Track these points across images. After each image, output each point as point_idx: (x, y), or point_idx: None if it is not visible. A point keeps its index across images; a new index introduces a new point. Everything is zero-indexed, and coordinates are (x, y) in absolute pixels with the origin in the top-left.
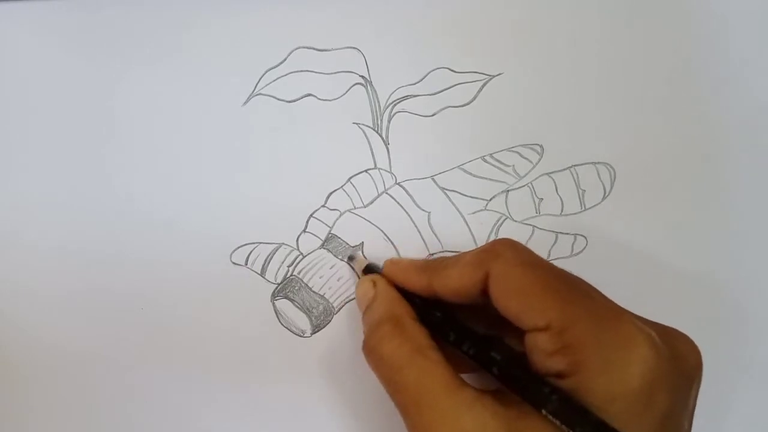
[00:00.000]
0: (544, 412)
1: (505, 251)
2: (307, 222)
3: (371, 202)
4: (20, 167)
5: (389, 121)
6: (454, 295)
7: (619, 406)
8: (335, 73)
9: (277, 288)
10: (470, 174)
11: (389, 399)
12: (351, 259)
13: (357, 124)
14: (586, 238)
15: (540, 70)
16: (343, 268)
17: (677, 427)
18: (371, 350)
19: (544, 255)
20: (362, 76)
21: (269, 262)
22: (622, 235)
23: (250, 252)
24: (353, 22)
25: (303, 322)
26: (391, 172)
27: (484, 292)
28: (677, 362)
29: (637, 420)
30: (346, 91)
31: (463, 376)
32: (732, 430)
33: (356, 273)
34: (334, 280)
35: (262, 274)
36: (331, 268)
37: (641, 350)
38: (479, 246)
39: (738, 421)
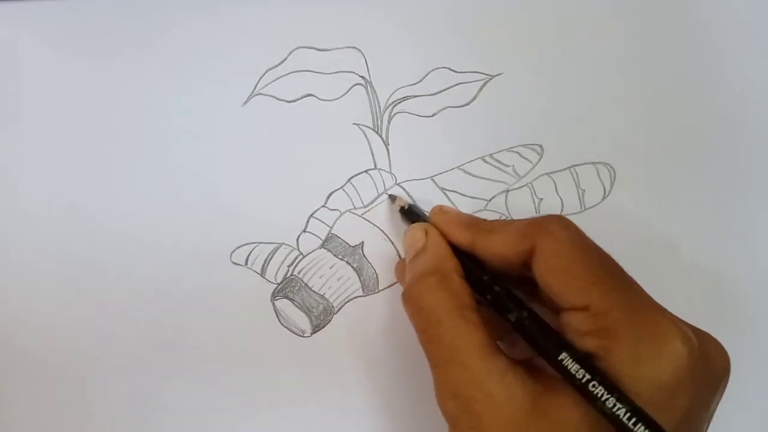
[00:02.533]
0: (563, 355)
1: (555, 228)
2: (307, 222)
3: (371, 203)
4: (20, 167)
5: (389, 122)
6: (495, 259)
7: (644, 397)
8: (335, 73)
9: (277, 288)
10: (470, 174)
11: (389, 399)
12: (392, 198)
13: (357, 124)
14: None
15: (540, 70)
16: (343, 268)
17: (696, 428)
18: (411, 298)
19: None
20: (362, 77)
21: (269, 262)
22: (622, 235)
23: (250, 252)
24: (353, 22)
25: (303, 322)
26: (391, 173)
27: (525, 263)
28: (706, 364)
29: (658, 414)
30: (347, 92)
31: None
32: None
33: (397, 212)
34: (334, 280)
35: (262, 274)
36: (331, 268)
37: (675, 346)
38: (528, 218)
39: (739, 419)
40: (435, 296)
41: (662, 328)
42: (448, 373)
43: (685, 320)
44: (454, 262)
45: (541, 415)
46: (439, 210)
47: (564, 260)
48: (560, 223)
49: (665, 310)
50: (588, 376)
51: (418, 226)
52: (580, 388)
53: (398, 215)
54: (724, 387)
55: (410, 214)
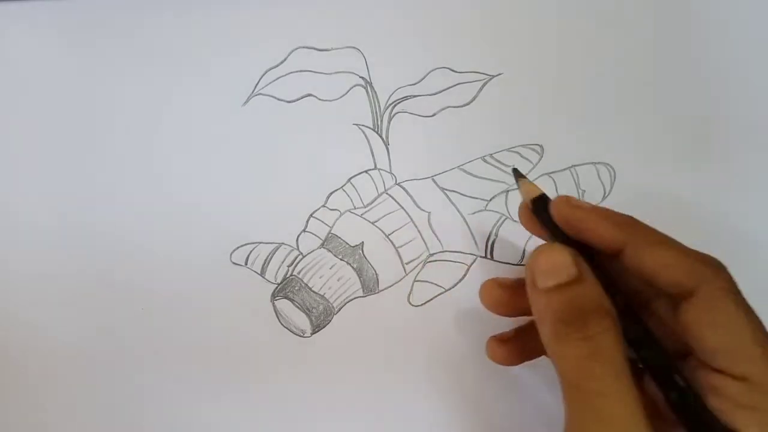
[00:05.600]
0: None
1: (723, 281)
2: (307, 222)
3: (371, 203)
4: (20, 167)
5: (389, 122)
6: (645, 275)
7: None
8: (335, 73)
9: (276, 288)
10: (470, 174)
11: (388, 399)
12: (516, 173)
13: (357, 124)
14: None
15: (540, 70)
16: (344, 268)
17: None
18: (582, 339)
19: None
20: (362, 77)
21: (269, 262)
22: None
23: (250, 252)
24: (353, 22)
25: (303, 322)
26: (391, 173)
27: (671, 296)
28: None
29: None
30: (347, 92)
31: None
32: None
33: (522, 196)
34: (334, 280)
35: (262, 274)
36: (331, 268)
37: None
38: (694, 250)
39: None
40: (613, 345)
41: None
42: None
43: None
44: (611, 306)
45: None
46: (567, 202)
47: (727, 319)
48: (728, 277)
49: None
50: None
51: (560, 249)
52: None
53: (523, 200)
54: None
55: (539, 206)
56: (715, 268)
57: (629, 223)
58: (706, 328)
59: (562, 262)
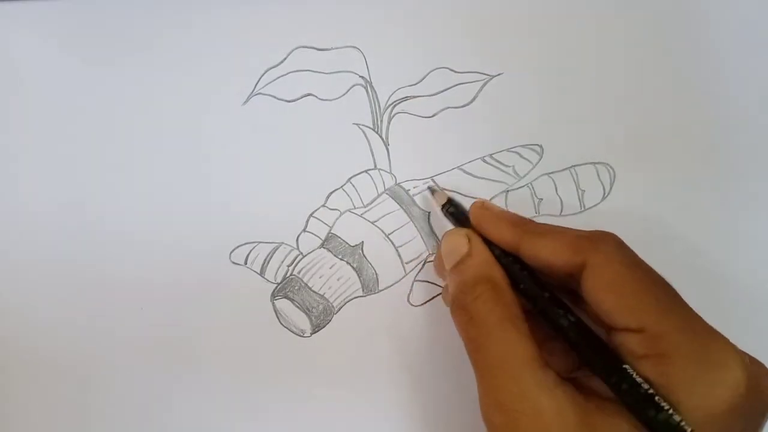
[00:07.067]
0: (626, 365)
1: (607, 246)
2: (307, 221)
3: (371, 202)
4: (19, 167)
5: (389, 122)
6: (539, 264)
7: (696, 423)
8: (335, 72)
9: (276, 288)
10: (470, 174)
11: (388, 399)
12: (431, 191)
13: (357, 124)
14: None
15: (540, 70)
16: (343, 268)
17: None
18: (462, 308)
19: None
20: (362, 77)
21: (269, 262)
22: (622, 236)
23: (250, 251)
24: (353, 22)
25: (303, 321)
26: (391, 173)
27: (571, 275)
28: (759, 394)
29: None
30: (346, 92)
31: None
32: None
33: (435, 204)
34: (334, 280)
35: (262, 273)
36: (330, 267)
37: (734, 374)
38: (579, 230)
39: None
40: (486, 306)
41: (721, 354)
42: (496, 385)
43: None
44: (501, 271)
45: None
46: (482, 205)
47: (618, 279)
48: (614, 241)
49: (721, 334)
50: (651, 390)
51: (458, 231)
52: (643, 400)
53: (437, 208)
54: None
55: (451, 208)
56: (597, 238)
57: (521, 222)
58: (600, 293)
59: (458, 242)
